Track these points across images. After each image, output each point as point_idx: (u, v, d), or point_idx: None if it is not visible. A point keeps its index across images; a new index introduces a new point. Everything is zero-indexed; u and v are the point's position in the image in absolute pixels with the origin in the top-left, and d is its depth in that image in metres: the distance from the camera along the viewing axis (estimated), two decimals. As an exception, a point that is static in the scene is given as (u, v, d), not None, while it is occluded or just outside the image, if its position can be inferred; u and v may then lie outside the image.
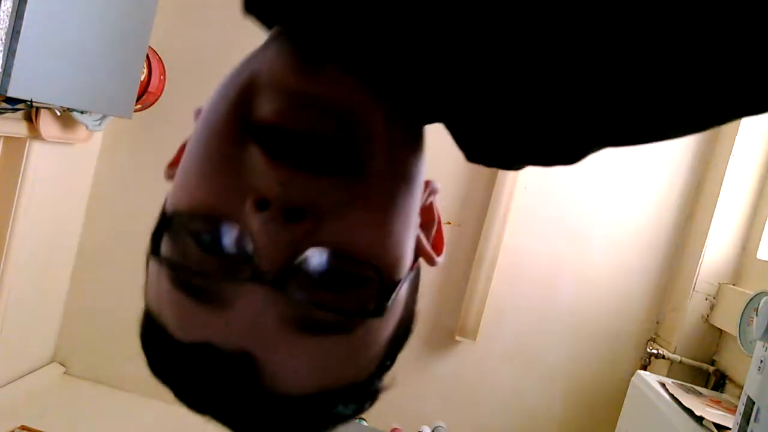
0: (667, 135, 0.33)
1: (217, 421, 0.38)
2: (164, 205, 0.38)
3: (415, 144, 0.39)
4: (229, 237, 0.34)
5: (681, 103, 0.30)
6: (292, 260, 0.33)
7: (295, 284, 0.33)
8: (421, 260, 0.43)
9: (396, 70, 0.35)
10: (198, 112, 0.40)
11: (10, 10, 1.36)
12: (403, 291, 0.39)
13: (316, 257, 0.33)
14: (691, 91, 0.30)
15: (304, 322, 0.34)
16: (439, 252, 0.44)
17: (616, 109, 0.32)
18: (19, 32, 1.38)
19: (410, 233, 0.38)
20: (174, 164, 0.40)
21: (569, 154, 0.36)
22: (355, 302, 0.35)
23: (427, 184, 0.43)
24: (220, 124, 0.36)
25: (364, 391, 0.40)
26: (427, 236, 0.44)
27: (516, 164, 0.39)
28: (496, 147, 0.38)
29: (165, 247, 0.36)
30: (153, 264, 0.37)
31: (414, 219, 0.39)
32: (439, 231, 0.45)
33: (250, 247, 0.33)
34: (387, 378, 0.41)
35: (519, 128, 0.35)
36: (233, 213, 0.34)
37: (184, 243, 0.35)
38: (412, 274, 0.40)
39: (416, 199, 0.39)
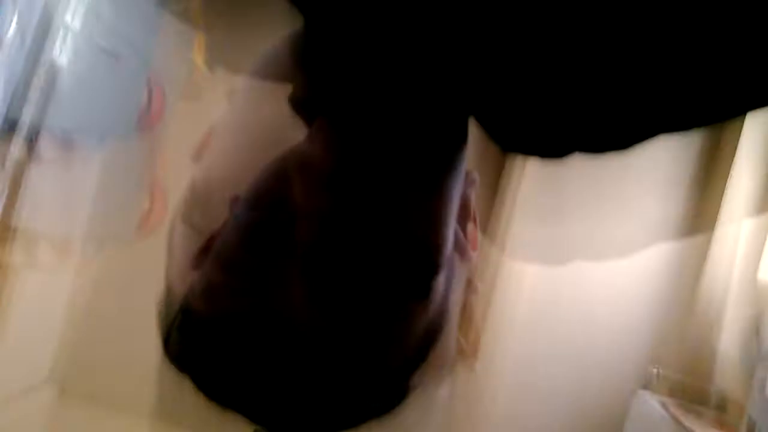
0: (725, 116, 0.31)
1: (237, 410, 0.35)
2: (194, 178, 0.37)
3: (458, 132, 0.37)
4: (269, 210, 0.33)
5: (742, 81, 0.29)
6: (334, 231, 0.32)
7: (335, 259, 0.32)
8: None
9: (441, 60, 0.34)
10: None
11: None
12: (441, 281, 0.37)
13: (360, 230, 0.32)
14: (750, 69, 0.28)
15: (340, 299, 0.32)
16: (474, 247, 0.42)
17: (672, 90, 0.30)
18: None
19: (452, 219, 0.37)
20: (201, 149, 0.39)
21: (622, 140, 0.33)
22: (398, 281, 0.33)
23: (467, 174, 0.41)
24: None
25: (395, 386, 0.38)
26: (463, 230, 0.42)
27: (563, 152, 0.36)
28: (545, 133, 0.35)
29: (197, 218, 0.34)
30: (182, 234, 0.36)
31: (455, 206, 0.38)
32: (474, 226, 0.43)
33: (291, 219, 0.32)
34: (416, 378, 0.40)
35: (571, 111, 0.33)
36: (277, 187, 0.33)
37: (220, 214, 0.33)
38: (447, 267, 0.38)
39: (458, 187, 0.38)
